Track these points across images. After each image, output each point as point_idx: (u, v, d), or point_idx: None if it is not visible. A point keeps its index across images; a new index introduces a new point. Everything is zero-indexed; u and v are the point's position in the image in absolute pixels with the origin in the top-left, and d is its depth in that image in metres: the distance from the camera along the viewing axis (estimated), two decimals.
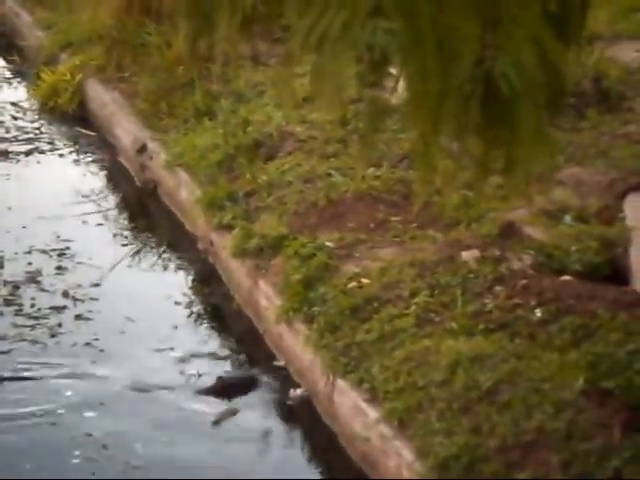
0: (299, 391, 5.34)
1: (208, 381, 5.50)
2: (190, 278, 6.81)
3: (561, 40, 2.45)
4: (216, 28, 2.74)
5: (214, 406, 5.32)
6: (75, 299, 6.36)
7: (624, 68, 7.92)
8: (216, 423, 5.18)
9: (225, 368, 5.69)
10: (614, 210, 6.05)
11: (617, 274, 5.43)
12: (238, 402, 5.39)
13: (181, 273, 6.89)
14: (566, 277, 5.34)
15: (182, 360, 5.73)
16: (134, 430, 5.12)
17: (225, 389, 5.45)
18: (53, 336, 5.94)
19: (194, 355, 5.78)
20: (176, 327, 6.09)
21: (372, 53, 2.35)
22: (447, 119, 2.39)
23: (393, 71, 2.59)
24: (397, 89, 2.68)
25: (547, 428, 4.21)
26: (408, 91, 2.51)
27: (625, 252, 5.54)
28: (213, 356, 5.81)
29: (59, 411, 5.27)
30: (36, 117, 9.74)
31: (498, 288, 5.20)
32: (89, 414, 5.24)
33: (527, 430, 4.23)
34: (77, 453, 4.93)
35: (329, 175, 6.70)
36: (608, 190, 6.28)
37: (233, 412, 5.25)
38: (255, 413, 5.32)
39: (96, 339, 5.92)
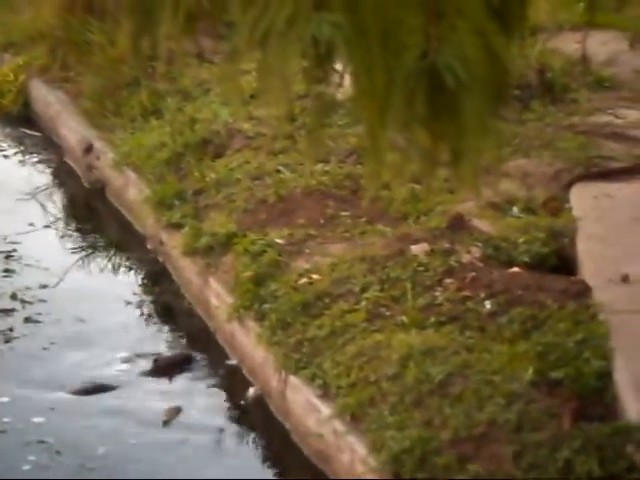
0: (252, 390, 5.32)
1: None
2: (140, 277, 6.78)
3: (504, 32, 2.46)
4: (159, 25, 2.73)
5: (164, 404, 5.30)
6: (24, 302, 6.30)
7: (567, 59, 8.00)
8: (166, 423, 5.15)
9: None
10: (560, 201, 6.10)
11: (565, 264, 5.48)
12: (189, 402, 5.36)
13: (131, 273, 6.85)
14: (514, 268, 5.38)
15: (133, 360, 5.70)
16: (86, 433, 5.07)
17: (163, 369, 5.56)
18: (7, 341, 5.87)
19: (145, 355, 5.74)
20: (127, 327, 6.06)
21: (317, 47, 2.35)
22: (393, 112, 2.40)
23: (338, 66, 2.59)
24: (343, 84, 2.68)
25: (498, 420, 4.24)
26: (354, 85, 2.51)
27: (572, 242, 5.59)
28: (165, 356, 5.78)
29: (7, 418, 5.19)
30: None
31: (448, 281, 5.22)
32: (38, 419, 5.18)
33: (479, 422, 4.25)
34: (29, 459, 4.87)
35: (278, 171, 6.69)
36: (554, 181, 6.33)
37: (177, 411, 5.23)
38: (207, 412, 5.31)
39: (46, 341, 5.86)
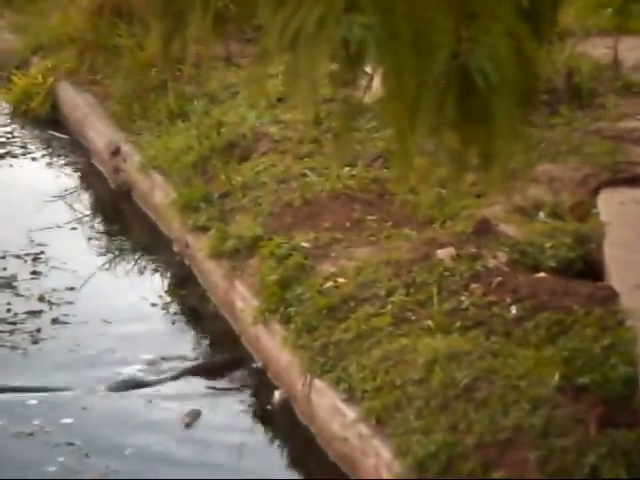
0: (278, 395, 5.31)
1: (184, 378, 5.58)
2: (166, 280, 6.79)
3: (535, 35, 2.45)
4: (188, 28, 2.74)
5: (188, 406, 5.30)
6: (51, 303, 6.33)
7: (595, 64, 7.97)
8: (188, 426, 5.16)
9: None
10: (587, 206, 6.08)
11: (591, 269, 5.45)
12: (215, 405, 5.38)
13: (157, 275, 6.87)
14: (541, 273, 5.36)
15: (159, 362, 5.71)
16: (114, 434, 5.09)
17: (207, 370, 5.60)
18: (34, 342, 5.90)
19: (170, 358, 5.76)
20: (153, 330, 6.07)
21: (348, 49, 2.35)
22: (423, 114, 2.39)
23: (368, 69, 2.59)
24: (371, 88, 2.68)
25: (524, 425, 4.22)
26: (384, 87, 2.51)
27: (599, 247, 5.57)
28: (190, 358, 5.79)
29: (36, 420, 5.21)
30: (8, 121, 9.71)
31: (474, 286, 5.21)
32: (67, 420, 5.20)
33: (504, 427, 4.23)
34: (57, 461, 4.88)
35: (304, 175, 6.70)
36: (581, 186, 6.31)
37: (197, 414, 5.23)
38: (232, 415, 5.31)
39: (73, 343, 5.89)
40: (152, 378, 5.57)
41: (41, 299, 6.36)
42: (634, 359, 4.47)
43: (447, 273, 5.33)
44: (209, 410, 5.30)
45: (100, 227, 7.61)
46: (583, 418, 4.23)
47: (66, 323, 6.12)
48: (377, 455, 4.46)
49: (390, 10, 2.30)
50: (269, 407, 5.29)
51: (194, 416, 5.21)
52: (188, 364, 5.68)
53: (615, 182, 6.35)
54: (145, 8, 3.15)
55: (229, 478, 4.79)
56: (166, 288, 6.68)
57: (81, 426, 5.14)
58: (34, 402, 5.35)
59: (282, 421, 5.23)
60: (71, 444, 4.98)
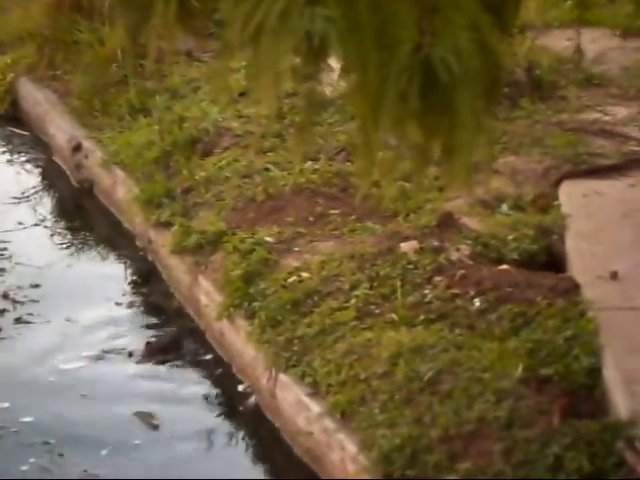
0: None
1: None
2: (130, 276, 6.76)
3: (498, 26, 2.46)
4: (149, 22, 2.72)
5: (159, 407, 5.29)
6: (15, 301, 6.28)
7: (556, 57, 8.02)
8: (155, 428, 5.14)
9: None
10: (549, 198, 6.11)
11: (554, 261, 5.49)
12: (182, 401, 5.37)
13: (120, 271, 6.84)
14: (504, 266, 5.39)
15: (124, 361, 5.69)
16: (82, 432, 5.07)
17: (155, 352, 5.69)
18: None
19: (136, 355, 5.74)
20: (117, 327, 6.04)
21: (310, 42, 2.35)
22: (387, 107, 2.40)
23: (331, 63, 2.59)
24: (333, 81, 2.68)
25: (488, 417, 4.24)
26: (347, 80, 2.51)
27: (561, 239, 5.60)
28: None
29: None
30: None
31: (437, 278, 5.23)
32: (27, 419, 5.16)
33: (468, 420, 4.25)
34: (29, 461, 4.85)
35: (267, 170, 6.69)
36: (543, 178, 6.34)
37: (150, 416, 5.21)
38: (197, 410, 5.30)
39: (36, 342, 5.85)
40: (116, 376, 5.55)
41: (5, 297, 6.32)
42: (596, 350, 4.51)
43: (411, 266, 5.35)
44: (178, 405, 5.30)
45: (63, 224, 7.56)
46: (547, 409, 4.25)
47: (29, 322, 6.07)
48: (342, 449, 4.47)
49: (353, 3, 2.30)
50: (241, 408, 5.27)
51: (154, 417, 5.19)
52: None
53: (577, 174, 6.39)
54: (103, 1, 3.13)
55: (203, 478, 4.79)
56: (130, 284, 6.65)
57: (47, 425, 5.10)
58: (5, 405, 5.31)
59: (246, 416, 5.23)
60: (44, 443, 4.94)
